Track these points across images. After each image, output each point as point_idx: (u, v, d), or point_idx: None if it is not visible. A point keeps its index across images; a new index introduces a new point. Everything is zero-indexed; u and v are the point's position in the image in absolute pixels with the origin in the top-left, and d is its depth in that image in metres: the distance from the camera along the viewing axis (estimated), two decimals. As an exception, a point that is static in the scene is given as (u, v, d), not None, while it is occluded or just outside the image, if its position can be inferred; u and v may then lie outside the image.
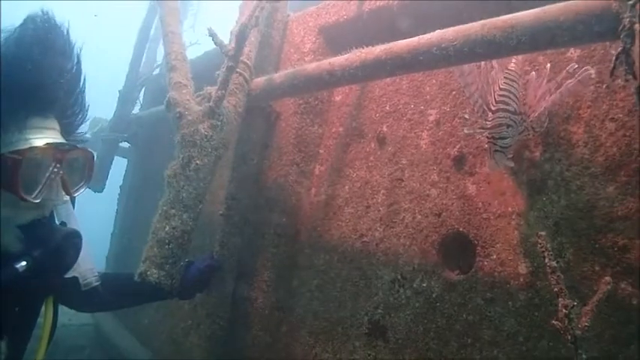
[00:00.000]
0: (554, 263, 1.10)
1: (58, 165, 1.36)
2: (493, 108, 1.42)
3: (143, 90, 3.83)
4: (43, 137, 1.32)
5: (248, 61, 2.20)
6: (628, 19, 0.89)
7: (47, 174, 1.33)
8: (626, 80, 0.90)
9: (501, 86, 1.43)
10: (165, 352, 2.89)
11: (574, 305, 1.01)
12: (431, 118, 1.89)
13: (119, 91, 3.64)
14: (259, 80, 2.19)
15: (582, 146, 1.44)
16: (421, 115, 1.94)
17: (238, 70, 2.10)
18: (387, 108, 2.10)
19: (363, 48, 1.70)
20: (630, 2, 0.87)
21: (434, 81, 1.91)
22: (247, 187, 2.41)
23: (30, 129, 1.31)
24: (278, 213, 2.34)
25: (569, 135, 1.47)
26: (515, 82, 1.43)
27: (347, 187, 2.18)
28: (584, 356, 1.01)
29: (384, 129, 2.07)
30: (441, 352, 1.61)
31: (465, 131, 1.51)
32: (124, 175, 4.12)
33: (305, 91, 2.08)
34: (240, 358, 2.31)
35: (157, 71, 3.88)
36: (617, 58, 0.93)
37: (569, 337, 1.02)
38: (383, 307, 1.85)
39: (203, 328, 2.41)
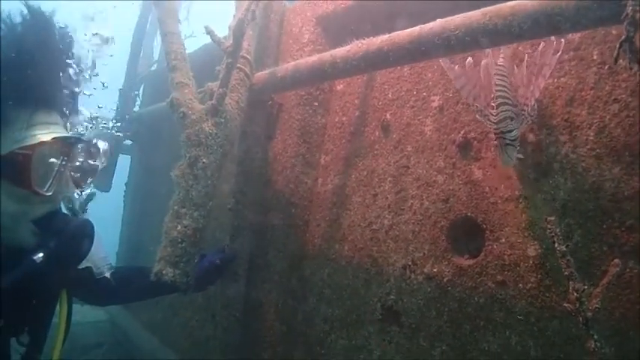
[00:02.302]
0: (563, 247, 1.13)
1: (66, 158, 1.39)
2: (494, 104, 1.44)
3: (142, 87, 3.84)
4: (49, 132, 1.35)
5: (248, 56, 2.20)
6: (631, 8, 0.90)
7: (56, 167, 1.36)
8: (630, 68, 0.92)
9: (497, 81, 1.44)
10: (181, 345, 2.95)
11: (584, 288, 1.04)
12: (434, 105, 1.90)
13: (119, 89, 3.64)
14: (261, 74, 2.20)
15: (586, 128, 1.45)
16: (424, 102, 1.95)
17: (239, 65, 2.10)
18: (390, 95, 2.10)
19: (363, 39, 1.71)
20: (633, -10, 0.88)
21: (435, 67, 1.91)
22: (254, 180, 2.44)
23: (36, 125, 1.33)
24: (286, 204, 2.37)
25: (573, 117, 1.48)
26: (506, 76, 1.45)
27: (353, 176, 2.20)
28: (595, 336, 1.04)
29: (388, 117, 2.09)
30: (455, 334, 1.65)
31: (478, 117, 1.53)
32: (129, 172, 4.15)
33: (307, 83, 2.09)
34: (257, 348, 2.37)
35: (154, 67, 3.87)
36: (620, 46, 0.94)
37: (581, 319, 1.05)
38: (395, 292, 1.89)
39: (219, 320, 2.46)
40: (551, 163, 1.51)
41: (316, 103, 2.38)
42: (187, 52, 2.30)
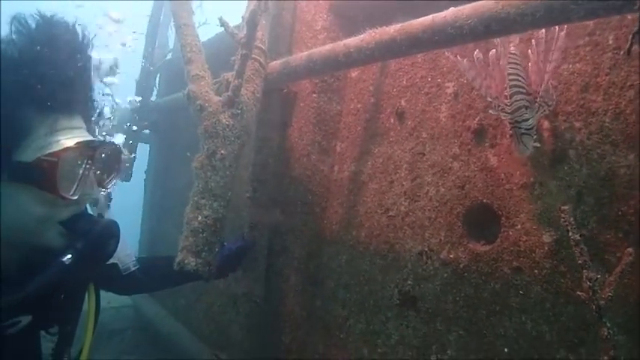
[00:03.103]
0: (577, 236, 1.15)
1: (89, 161, 1.42)
2: (507, 93, 1.43)
3: (158, 76, 3.88)
4: (73, 137, 1.38)
5: (262, 46, 2.22)
6: (644, -1, 0.90)
7: (81, 171, 1.40)
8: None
9: (509, 71, 1.44)
10: (204, 330, 3.04)
11: (597, 278, 1.05)
12: (449, 91, 1.90)
13: (136, 80, 3.69)
14: (275, 64, 2.21)
15: (602, 114, 1.44)
16: (439, 89, 1.95)
17: (253, 55, 2.12)
18: (404, 82, 2.11)
19: (376, 28, 1.71)
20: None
21: (449, 53, 1.90)
22: (271, 168, 2.47)
23: (59, 130, 1.36)
24: (303, 191, 2.41)
25: (589, 103, 1.48)
26: (519, 64, 1.44)
27: (369, 162, 2.22)
28: (608, 324, 1.06)
29: (403, 103, 2.09)
30: (471, 320, 1.68)
31: (492, 112, 1.53)
32: (148, 161, 4.23)
33: (321, 72, 2.10)
34: (277, 332, 2.43)
35: (169, 56, 3.91)
36: (633, 37, 0.94)
37: (594, 307, 1.07)
38: (412, 278, 1.92)
39: (240, 306, 2.53)
40: (566, 149, 1.51)
41: (331, 91, 2.39)
42: (202, 40, 2.34)
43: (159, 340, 3.43)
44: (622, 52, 1.06)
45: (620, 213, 1.37)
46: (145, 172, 4.20)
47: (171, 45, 3.96)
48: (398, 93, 2.12)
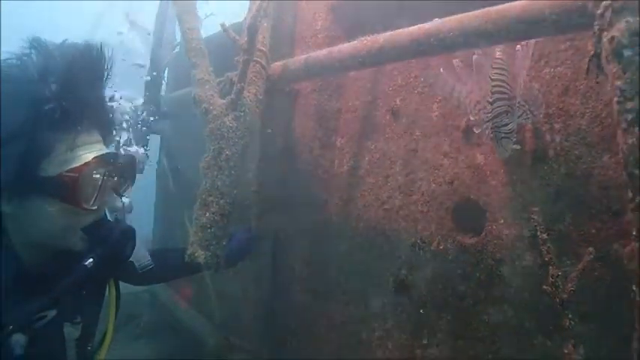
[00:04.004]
0: (545, 236, 1.26)
1: (107, 173, 1.56)
2: (489, 99, 1.53)
3: (167, 70, 4.00)
4: (91, 152, 1.51)
5: (263, 48, 2.32)
6: (597, 27, 0.99)
7: (100, 183, 1.54)
8: (597, 82, 1.01)
9: (492, 77, 1.53)
10: (216, 316, 3.22)
11: (559, 274, 1.17)
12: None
13: (146, 77, 3.82)
14: (276, 65, 2.32)
15: (579, 117, 1.54)
16: (430, 89, 2.04)
17: (255, 58, 2.23)
18: (399, 81, 2.20)
19: (371, 33, 1.81)
20: (599, 11, 0.97)
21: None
22: (275, 163, 2.60)
23: (79, 147, 1.49)
24: (306, 186, 2.53)
25: (568, 106, 1.57)
26: (504, 69, 1.53)
27: (367, 158, 2.33)
28: (570, 315, 1.18)
29: (398, 102, 2.19)
30: (458, 307, 1.81)
31: (476, 131, 1.63)
32: (159, 151, 4.37)
33: (318, 76, 2.21)
34: (285, 317, 2.59)
35: (177, 49, 4.02)
36: (590, 60, 1.03)
37: (558, 300, 1.19)
38: (406, 267, 2.05)
39: (250, 292, 2.69)
40: (546, 150, 1.61)
41: (331, 89, 2.49)
42: (210, 33, 2.40)
43: (173, 324, 3.62)
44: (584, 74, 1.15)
45: (593, 211, 1.48)
46: (157, 162, 4.35)
47: (178, 38, 4.06)
48: (393, 92, 2.22)
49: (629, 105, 0.84)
